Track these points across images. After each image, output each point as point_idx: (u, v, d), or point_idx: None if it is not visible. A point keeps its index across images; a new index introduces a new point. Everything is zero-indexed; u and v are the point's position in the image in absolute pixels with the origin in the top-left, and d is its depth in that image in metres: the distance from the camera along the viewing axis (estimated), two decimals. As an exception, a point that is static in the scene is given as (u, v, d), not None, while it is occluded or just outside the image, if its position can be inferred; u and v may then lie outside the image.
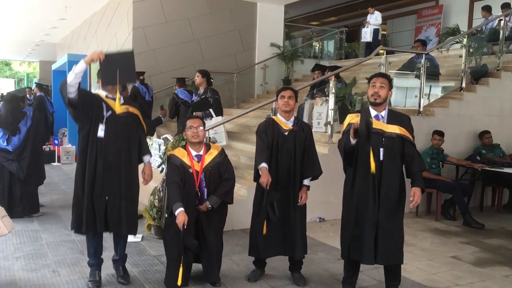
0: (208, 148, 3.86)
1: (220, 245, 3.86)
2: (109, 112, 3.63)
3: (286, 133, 3.85)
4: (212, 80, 7.02)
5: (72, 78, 3.40)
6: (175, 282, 3.58)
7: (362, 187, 3.39)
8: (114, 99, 3.68)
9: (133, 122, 3.78)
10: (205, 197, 3.74)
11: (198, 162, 3.76)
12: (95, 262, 3.80)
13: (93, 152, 3.59)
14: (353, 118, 3.48)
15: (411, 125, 3.47)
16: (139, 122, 3.84)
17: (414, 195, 3.32)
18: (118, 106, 3.67)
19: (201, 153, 3.79)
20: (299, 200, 3.83)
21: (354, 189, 3.46)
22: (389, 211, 3.35)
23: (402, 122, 3.44)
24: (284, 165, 3.81)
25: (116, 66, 3.54)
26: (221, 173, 3.80)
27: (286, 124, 3.87)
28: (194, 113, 6.63)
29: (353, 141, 3.34)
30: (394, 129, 3.38)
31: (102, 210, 3.61)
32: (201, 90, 6.84)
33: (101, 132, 3.59)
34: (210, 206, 3.71)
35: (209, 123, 6.41)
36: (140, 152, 3.84)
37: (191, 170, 3.71)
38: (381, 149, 3.35)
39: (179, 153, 3.81)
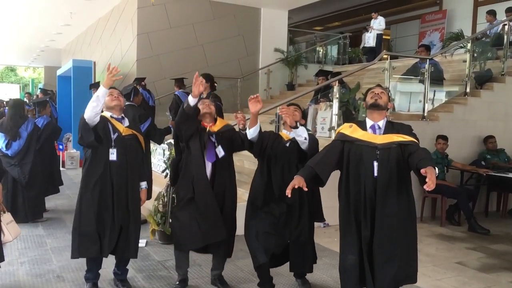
0: (215, 121, 3.88)
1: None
2: (116, 134, 3.62)
3: (288, 144, 3.64)
4: (216, 85, 7.00)
5: (97, 104, 3.41)
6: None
7: (356, 205, 3.02)
8: (119, 120, 3.69)
9: (137, 145, 3.80)
10: (216, 154, 3.68)
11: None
12: (93, 276, 3.77)
13: (105, 176, 3.56)
14: (345, 128, 3.15)
15: (414, 133, 3.06)
16: (140, 145, 3.85)
17: (425, 174, 2.67)
18: (124, 128, 3.67)
19: (210, 124, 3.80)
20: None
21: (349, 209, 3.06)
22: (386, 233, 2.93)
23: (401, 131, 3.03)
24: (286, 177, 3.45)
25: None
26: (233, 140, 3.80)
27: (288, 135, 3.67)
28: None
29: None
30: (390, 138, 2.98)
31: (114, 235, 3.59)
32: (204, 96, 6.83)
33: (112, 156, 3.57)
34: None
35: None
36: (140, 176, 3.86)
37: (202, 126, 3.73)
38: (375, 164, 2.96)
39: None
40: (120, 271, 3.88)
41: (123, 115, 3.75)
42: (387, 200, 2.94)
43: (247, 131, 3.58)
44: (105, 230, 3.57)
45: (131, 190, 3.70)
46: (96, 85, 9.56)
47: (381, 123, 3.07)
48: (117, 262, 3.88)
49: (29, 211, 5.91)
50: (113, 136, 3.60)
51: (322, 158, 3.12)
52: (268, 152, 3.61)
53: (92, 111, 3.43)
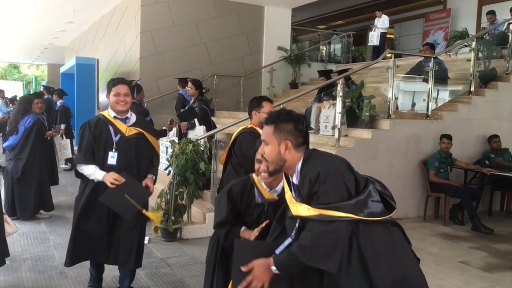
0: None
1: None
2: (118, 136, 3.38)
3: (266, 204, 2.57)
4: (204, 90, 7.10)
5: (90, 177, 3.33)
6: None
7: None
8: (123, 121, 3.43)
9: (145, 144, 3.51)
10: None
11: None
12: (97, 275, 3.72)
13: (99, 182, 3.31)
14: None
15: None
16: (150, 144, 3.56)
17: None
18: (127, 129, 3.43)
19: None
20: None
21: None
22: None
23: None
24: None
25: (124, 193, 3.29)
26: None
27: (269, 192, 2.58)
28: (180, 123, 6.75)
29: None
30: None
31: (113, 242, 3.42)
32: (192, 100, 6.94)
33: (112, 160, 3.33)
34: None
35: (192, 133, 6.44)
36: (147, 171, 3.56)
37: None
38: None
39: None
40: (123, 282, 3.63)
41: (128, 115, 3.48)
42: None
43: None
44: (97, 234, 3.43)
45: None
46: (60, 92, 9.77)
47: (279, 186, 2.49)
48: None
49: (20, 207, 5.80)
50: (115, 139, 3.36)
51: None
52: None
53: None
